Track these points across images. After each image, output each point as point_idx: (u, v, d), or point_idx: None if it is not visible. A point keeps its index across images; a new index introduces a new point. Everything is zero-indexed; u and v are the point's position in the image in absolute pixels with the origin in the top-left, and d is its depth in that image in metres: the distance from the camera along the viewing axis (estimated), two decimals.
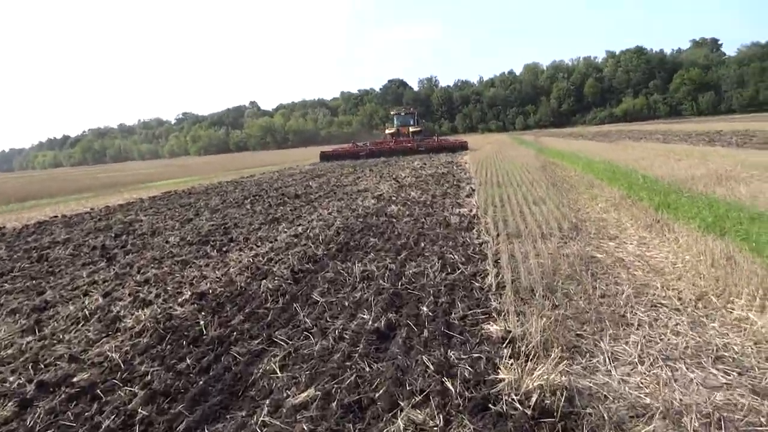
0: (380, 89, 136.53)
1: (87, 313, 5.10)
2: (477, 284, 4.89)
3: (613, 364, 3.20)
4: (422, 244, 6.78)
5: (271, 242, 7.83)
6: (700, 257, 4.95)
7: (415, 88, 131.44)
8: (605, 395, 2.86)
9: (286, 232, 8.53)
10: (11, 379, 3.86)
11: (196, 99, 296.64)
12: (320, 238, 7.73)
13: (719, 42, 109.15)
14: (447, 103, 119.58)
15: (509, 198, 9.85)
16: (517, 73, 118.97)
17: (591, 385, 2.97)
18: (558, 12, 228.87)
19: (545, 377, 2.88)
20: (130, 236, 9.44)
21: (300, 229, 8.67)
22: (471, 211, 8.87)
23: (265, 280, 5.65)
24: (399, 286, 5.06)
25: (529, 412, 2.68)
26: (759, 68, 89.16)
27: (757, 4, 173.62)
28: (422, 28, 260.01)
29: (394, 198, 11.56)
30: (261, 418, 2.97)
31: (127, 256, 7.69)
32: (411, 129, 37.66)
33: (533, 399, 2.77)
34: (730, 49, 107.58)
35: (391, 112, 45.48)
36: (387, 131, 39.31)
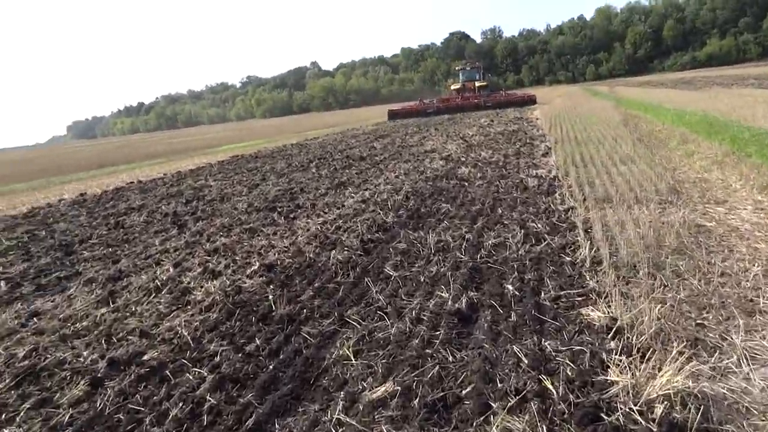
0: (441, 43, 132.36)
1: (158, 284, 5.04)
2: (568, 259, 4.36)
3: (751, 365, 2.66)
4: (499, 211, 6.27)
5: (338, 208, 7.57)
6: None
7: (478, 40, 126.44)
8: (747, 407, 2.35)
9: (353, 197, 8.24)
10: (85, 354, 3.81)
11: (260, 62, 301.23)
12: (389, 203, 7.37)
13: None
14: (512, 55, 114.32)
15: (591, 157, 9.03)
16: (588, 18, 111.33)
17: (726, 392, 2.46)
18: None
19: (670, 382, 2.40)
20: (200, 202, 9.50)
21: (367, 193, 8.34)
22: (550, 172, 8.18)
23: (334, 251, 5.37)
24: (478, 260, 4.63)
25: (655, 428, 2.22)
26: None
27: None
28: None
29: (463, 159, 10.97)
30: (336, 416, 2.70)
31: (197, 224, 7.68)
32: (477, 84, 37.08)
33: (657, 410, 2.31)
34: None
35: (456, 68, 45.03)
36: (452, 87, 38.92)
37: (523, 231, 5.21)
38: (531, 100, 31.09)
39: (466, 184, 8.22)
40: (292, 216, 7.40)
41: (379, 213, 6.84)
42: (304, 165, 13.15)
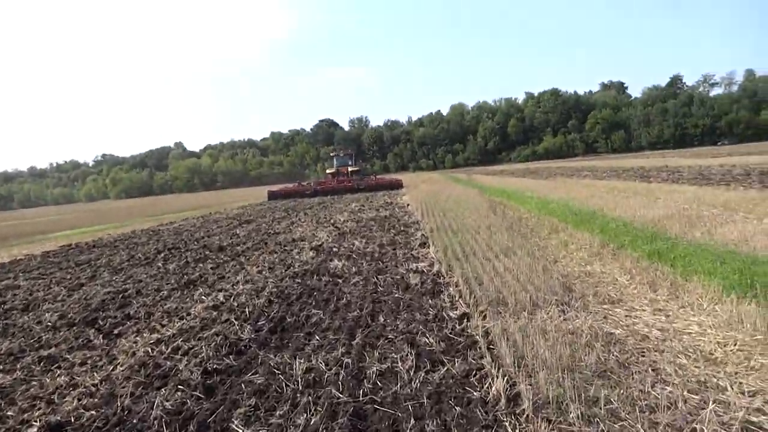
0: (311, 129, 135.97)
1: None
2: (476, 394, 3.39)
3: None
4: (381, 319, 5.25)
5: (181, 318, 6.02)
6: (756, 335, 3.76)
7: (346, 127, 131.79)
8: None
9: (203, 301, 6.73)
10: None
11: (117, 140, 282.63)
12: (247, 310, 6.01)
13: (625, 85, 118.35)
14: (378, 143, 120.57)
15: (471, 247, 8.56)
16: (444, 114, 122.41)
17: None
18: (480, 54, 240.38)
19: None
20: None
21: (222, 296, 6.88)
22: (431, 266, 7.45)
23: (163, 391, 3.88)
24: (361, 399, 3.48)
25: None
26: (661, 108, 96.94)
27: (655, 50, 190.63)
28: (351, 69, 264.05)
29: (335, 249, 9.99)
30: None
31: None
32: (350, 169, 39.75)
33: None
34: (634, 91, 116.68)
35: (330, 154, 48.85)
36: (328, 171, 41.93)
37: (413, 350, 4.20)
38: (398, 184, 34.74)
39: (340, 281, 7.16)
40: (116, 333, 5.68)
41: (234, 324, 5.46)
42: (150, 257, 11.20)
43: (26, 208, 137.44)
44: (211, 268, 9.18)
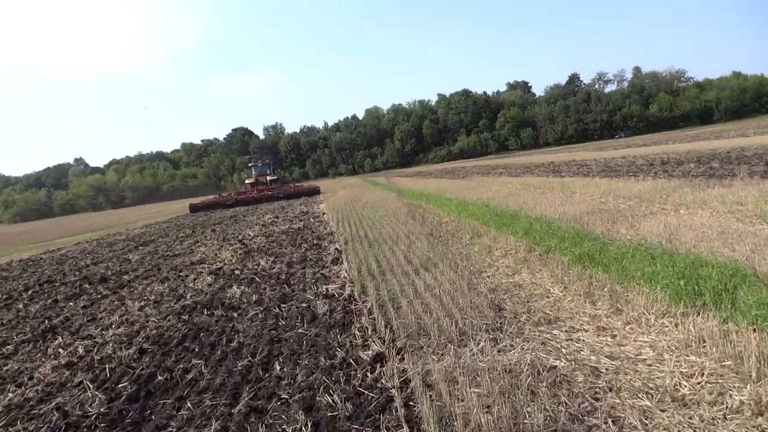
0: (224, 138, 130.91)
1: None
2: None
3: None
4: (277, 367, 4.20)
5: (19, 386, 4.64)
6: (723, 360, 3.12)
7: (261, 135, 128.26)
8: None
9: (57, 356, 5.33)
10: None
11: (7, 158, 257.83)
12: (108, 367, 4.73)
13: (529, 84, 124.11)
14: (295, 150, 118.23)
15: (388, 261, 7.68)
16: (360, 117, 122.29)
17: None
18: (393, 57, 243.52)
19: None
20: None
21: (83, 347, 5.52)
22: (343, 288, 6.47)
23: None
24: None
25: None
26: (563, 106, 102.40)
27: (555, 49, 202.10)
28: (264, 76, 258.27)
29: (237, 272, 8.77)
30: None
31: None
32: (269, 178, 40.54)
33: None
34: (538, 90, 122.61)
35: (249, 164, 49.04)
36: (247, 181, 42.00)
37: (311, 418, 3.20)
38: (316, 191, 36.40)
39: (235, 315, 6.02)
40: None
41: (87, 390, 4.19)
42: (14, 296, 9.38)
43: None
44: (83, 307, 7.66)
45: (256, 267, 8.95)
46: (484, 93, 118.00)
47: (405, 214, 13.60)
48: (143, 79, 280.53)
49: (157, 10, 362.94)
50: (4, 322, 7.31)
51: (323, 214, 17.94)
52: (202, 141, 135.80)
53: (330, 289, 6.51)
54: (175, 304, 7.03)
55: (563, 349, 3.84)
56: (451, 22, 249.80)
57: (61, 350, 5.55)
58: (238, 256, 10.61)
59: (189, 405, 3.70)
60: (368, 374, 3.75)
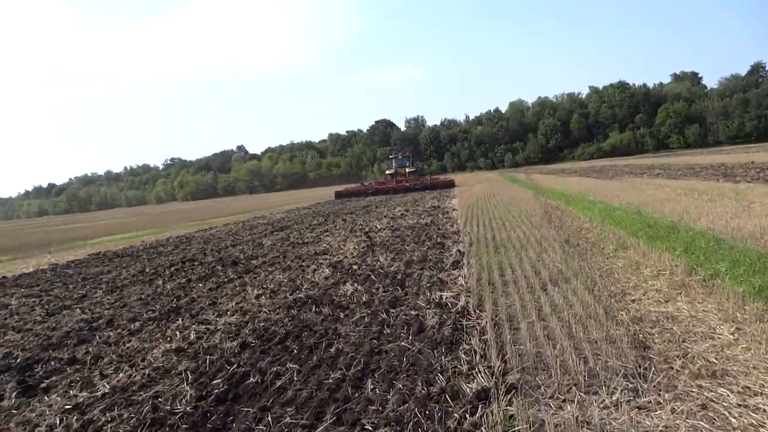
0: (367, 130, 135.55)
1: None
2: None
3: None
4: (369, 385, 3.76)
5: (132, 366, 4.77)
6: None
7: (402, 128, 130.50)
8: None
9: (171, 341, 5.47)
10: None
11: (185, 144, 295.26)
12: (209, 359, 4.68)
13: (699, 75, 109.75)
14: (435, 143, 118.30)
15: (513, 270, 6.88)
16: (503, 111, 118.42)
17: None
18: (539, 49, 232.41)
19: None
20: None
21: (195, 333, 5.62)
22: (458, 298, 5.84)
23: None
24: None
25: None
26: (742, 99, 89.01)
27: (731, 38, 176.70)
28: (407, 68, 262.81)
29: (356, 267, 8.57)
30: None
31: None
32: (407, 170, 42.36)
33: None
34: (710, 82, 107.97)
35: (390, 156, 52.00)
36: (387, 172, 44.68)
37: None
38: (451, 184, 37.84)
39: (342, 315, 5.72)
40: (42, 387, 4.49)
41: (184, 383, 4.14)
42: (159, 272, 10.21)
43: (103, 209, 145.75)
44: (210, 289, 7.97)
45: (374, 263, 8.67)
46: (644, 85, 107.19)
47: (540, 215, 12.46)
48: (297, 75, 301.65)
49: (311, 11, 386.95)
50: (143, 297, 7.87)
51: (453, 210, 17.32)
52: (346, 132, 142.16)
53: (444, 297, 5.93)
54: (290, 295, 6.97)
55: (734, 420, 2.86)
56: (607, 11, 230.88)
57: (177, 333, 5.70)
58: (361, 249, 10.46)
59: (269, 419, 3.40)
60: (467, 415, 3.13)
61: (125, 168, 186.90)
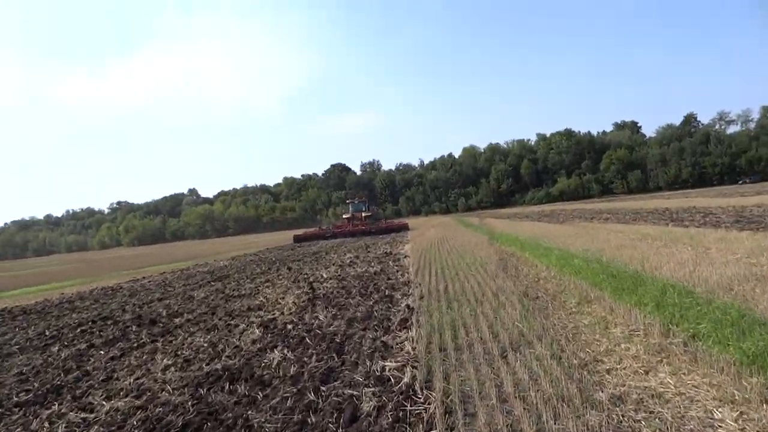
0: (323, 174, 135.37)
1: None
2: None
3: None
4: None
5: None
6: None
7: (358, 172, 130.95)
8: None
9: None
10: None
11: (133, 187, 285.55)
12: None
13: (639, 124, 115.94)
14: (390, 187, 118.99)
15: (468, 331, 5.99)
16: (457, 156, 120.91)
17: None
18: (490, 96, 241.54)
19: None
20: None
21: (66, 426, 4.38)
22: (403, 371, 4.86)
23: None
24: None
25: None
26: (678, 148, 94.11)
27: (667, 87, 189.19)
28: (362, 114, 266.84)
29: (290, 326, 7.48)
30: None
31: None
32: (363, 214, 43.88)
33: None
34: (648, 131, 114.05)
35: (347, 201, 54.96)
36: (344, 216, 46.10)
37: None
38: (405, 227, 39.47)
39: (260, 396, 4.62)
40: None
41: None
42: (62, 334, 8.76)
43: (40, 256, 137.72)
44: (111, 359, 6.68)
45: (312, 322, 7.61)
46: (589, 133, 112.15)
47: (495, 263, 11.75)
48: (252, 119, 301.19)
49: (266, 57, 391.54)
50: (25, 371, 6.48)
51: (405, 257, 16.46)
52: (302, 176, 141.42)
53: (387, 369, 4.94)
54: (206, 365, 5.82)
55: None
56: (553, 60, 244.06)
57: (45, 426, 4.45)
58: (300, 303, 9.37)
59: None
60: None
61: (67, 211, 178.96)
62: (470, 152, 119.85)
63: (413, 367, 4.89)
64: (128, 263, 34.63)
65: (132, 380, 5.54)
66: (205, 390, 4.94)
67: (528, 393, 3.91)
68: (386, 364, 5.10)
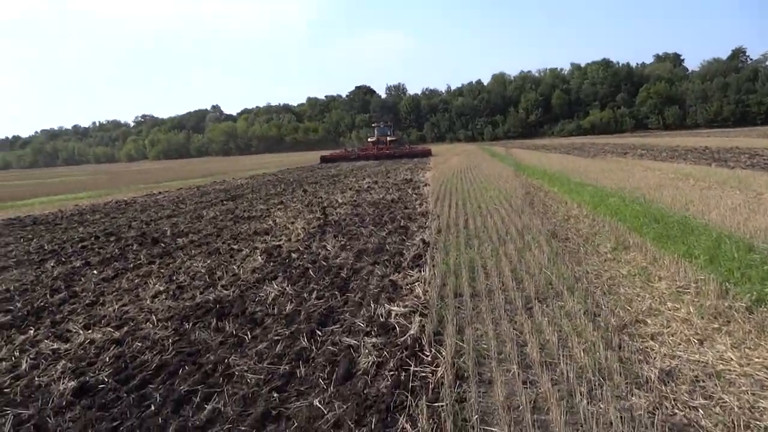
0: (347, 95, 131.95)
1: None
2: None
3: None
4: None
5: None
6: None
7: (383, 95, 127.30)
8: None
9: None
10: None
11: (157, 102, 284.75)
12: (22, 415, 3.05)
13: (681, 57, 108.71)
14: (415, 111, 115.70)
15: (488, 275, 5.34)
16: (485, 83, 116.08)
17: None
18: (524, 24, 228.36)
19: None
20: None
21: (31, 359, 3.95)
22: (411, 318, 4.26)
23: None
24: None
25: None
26: (721, 84, 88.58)
27: (715, 21, 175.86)
28: (390, 36, 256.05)
29: (295, 255, 6.93)
30: None
31: None
32: (389, 138, 44.43)
33: None
34: (691, 64, 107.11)
35: (372, 124, 55.74)
36: (369, 139, 46.98)
37: None
38: (428, 153, 39.92)
39: (249, 337, 4.10)
40: None
41: None
42: (64, 249, 8.43)
43: (70, 165, 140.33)
44: (103, 279, 6.24)
45: (319, 252, 7.04)
46: (627, 64, 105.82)
47: (521, 197, 10.94)
48: (278, 37, 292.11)
49: None
50: (12, 288, 6.10)
51: (425, 185, 15.70)
52: (325, 96, 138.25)
53: (393, 315, 4.35)
54: (199, 294, 5.33)
55: None
56: None
57: (13, 355, 4.02)
58: (310, 229, 8.81)
59: None
60: None
61: (93, 123, 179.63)
62: (500, 80, 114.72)
63: (422, 314, 4.28)
64: (148, 177, 34.59)
65: (117, 307, 5.08)
66: (190, 325, 4.44)
67: (556, 360, 3.28)
68: (393, 308, 4.50)
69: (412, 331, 3.91)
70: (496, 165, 23.27)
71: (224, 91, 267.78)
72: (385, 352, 3.62)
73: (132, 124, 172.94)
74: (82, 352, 4.01)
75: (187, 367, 3.61)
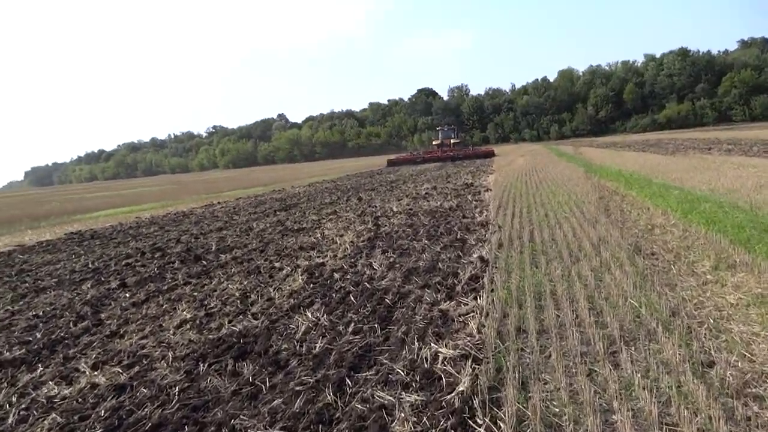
0: (409, 99, 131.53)
1: None
2: None
3: None
4: None
5: None
6: None
7: (445, 97, 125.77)
8: None
9: None
10: None
11: (227, 112, 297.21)
12: None
13: None
14: (478, 112, 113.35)
15: (558, 305, 4.42)
16: (551, 80, 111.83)
17: None
18: (593, 16, 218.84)
19: None
20: None
21: (18, 412, 3.49)
22: (461, 366, 3.44)
23: None
24: None
25: None
26: None
27: None
28: (452, 36, 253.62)
29: (338, 274, 6.28)
30: None
31: None
32: (452, 141, 45.70)
33: None
34: None
35: (437, 128, 57.14)
36: (434, 142, 48.14)
37: None
38: (491, 153, 40.94)
39: (267, 386, 3.43)
40: None
41: None
42: (107, 266, 8.24)
43: (148, 175, 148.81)
44: (132, 304, 5.85)
45: (364, 271, 6.35)
46: (708, 52, 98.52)
47: (594, 203, 9.78)
48: (339, 44, 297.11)
49: None
50: (42, 314, 5.82)
51: (487, 190, 14.69)
52: (387, 101, 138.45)
53: (440, 359, 3.56)
54: (226, 324, 4.78)
55: None
56: None
57: (10, 402, 3.58)
58: (358, 244, 8.15)
59: None
60: None
61: (169, 135, 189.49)
62: (567, 75, 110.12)
63: (476, 360, 3.46)
64: (213, 186, 35.45)
65: (135, 340, 4.60)
66: (205, 366, 3.86)
67: None
68: (440, 349, 3.71)
69: (462, 387, 3.11)
70: (565, 166, 21.77)
71: (289, 100, 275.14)
72: (425, 418, 2.84)
73: (204, 135, 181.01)
74: (80, 401, 3.51)
75: (187, 428, 3.00)
